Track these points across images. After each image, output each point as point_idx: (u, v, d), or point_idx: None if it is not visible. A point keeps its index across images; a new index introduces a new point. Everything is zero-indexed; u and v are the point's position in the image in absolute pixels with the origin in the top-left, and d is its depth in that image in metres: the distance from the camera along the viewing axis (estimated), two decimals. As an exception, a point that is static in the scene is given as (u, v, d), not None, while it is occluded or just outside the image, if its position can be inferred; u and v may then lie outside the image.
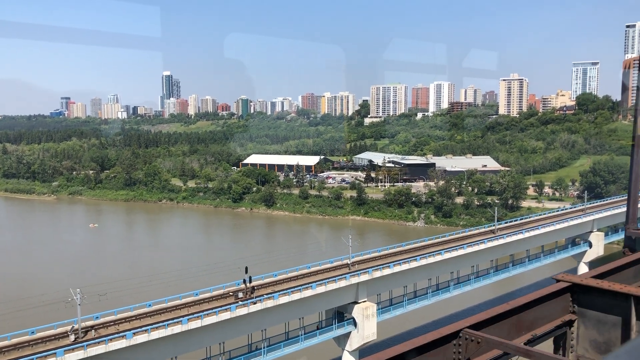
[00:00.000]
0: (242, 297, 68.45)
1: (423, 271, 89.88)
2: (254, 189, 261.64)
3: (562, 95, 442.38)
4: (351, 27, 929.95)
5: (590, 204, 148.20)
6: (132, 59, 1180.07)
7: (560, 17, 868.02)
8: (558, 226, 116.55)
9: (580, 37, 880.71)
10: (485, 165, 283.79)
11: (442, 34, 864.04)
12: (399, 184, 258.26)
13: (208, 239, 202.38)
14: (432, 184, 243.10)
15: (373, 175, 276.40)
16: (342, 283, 76.19)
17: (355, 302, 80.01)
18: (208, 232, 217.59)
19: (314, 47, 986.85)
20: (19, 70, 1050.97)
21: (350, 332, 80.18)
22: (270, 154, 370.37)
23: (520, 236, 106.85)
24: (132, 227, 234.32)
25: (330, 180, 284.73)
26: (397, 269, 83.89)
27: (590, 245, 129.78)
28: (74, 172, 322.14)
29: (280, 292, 70.10)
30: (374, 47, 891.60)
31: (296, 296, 70.62)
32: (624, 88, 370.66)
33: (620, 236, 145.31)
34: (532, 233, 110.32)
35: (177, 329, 59.67)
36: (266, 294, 69.74)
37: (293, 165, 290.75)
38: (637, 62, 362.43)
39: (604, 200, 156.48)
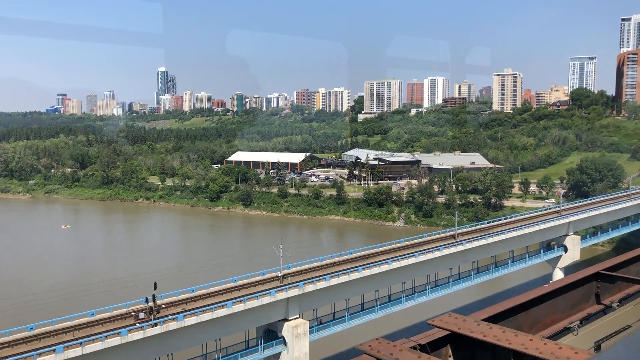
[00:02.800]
0: (143, 318, 60.39)
1: (368, 282, 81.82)
2: (232, 187, 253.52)
3: (556, 90, 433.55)
4: (347, 23, 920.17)
5: (569, 204, 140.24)
6: (129, 55, 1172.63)
7: (558, 11, 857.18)
8: (527, 230, 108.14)
9: (578, 31, 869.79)
10: (473, 163, 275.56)
11: (439, 30, 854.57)
12: (383, 182, 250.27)
13: (172, 241, 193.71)
14: (414, 182, 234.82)
15: (356, 172, 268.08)
16: (266, 299, 68.02)
17: (285, 320, 71.95)
18: (175, 234, 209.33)
19: (310, 43, 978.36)
20: (17, 67, 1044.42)
21: (280, 352, 72.16)
22: (256, 151, 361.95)
23: (482, 242, 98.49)
24: (103, 228, 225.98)
25: (313, 178, 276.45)
26: (335, 281, 75.74)
27: (566, 250, 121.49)
28: (52, 170, 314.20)
29: (188, 312, 61.94)
30: (370, 43, 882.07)
31: (206, 316, 62.47)
32: (618, 82, 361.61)
33: (600, 239, 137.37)
34: (497, 238, 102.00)
35: (49, 359, 51.61)
36: (172, 314, 61.60)
37: (277, 163, 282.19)
38: (632, 56, 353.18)
39: (583, 201, 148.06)
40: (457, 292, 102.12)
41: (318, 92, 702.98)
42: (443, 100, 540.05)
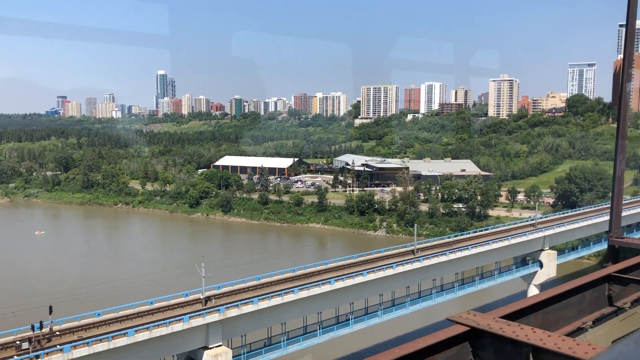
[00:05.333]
0: (26, 349, 53.09)
1: (308, 304, 74.35)
2: (213, 193, 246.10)
3: (553, 97, 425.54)
4: (346, 28, 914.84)
5: (548, 216, 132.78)
6: (130, 58, 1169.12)
7: (558, 18, 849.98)
8: (495, 245, 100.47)
9: (578, 37, 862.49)
10: (464, 170, 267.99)
11: (438, 36, 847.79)
12: (369, 189, 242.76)
13: (136, 252, 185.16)
14: (399, 189, 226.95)
15: (342, 179, 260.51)
16: (177, 326, 60.63)
17: (206, 348, 64.55)
18: (143, 243, 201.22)
19: (310, 48, 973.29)
20: (20, 68, 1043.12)
21: (201, 383, 64.74)
22: (246, 155, 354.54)
23: (443, 258, 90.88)
24: (76, 235, 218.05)
25: (299, 184, 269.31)
26: (265, 304, 68.27)
27: (541, 266, 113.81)
28: (34, 174, 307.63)
29: (79, 342, 54.60)
30: (369, 48, 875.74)
31: (101, 347, 55.09)
32: (615, 89, 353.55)
33: (580, 254, 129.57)
34: (461, 254, 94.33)
35: None
36: (61, 344, 54.21)
37: (265, 168, 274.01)
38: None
39: (563, 213, 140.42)
40: (424, 310, 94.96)
41: (315, 96, 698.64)
42: (439, 105, 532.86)
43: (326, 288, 74.55)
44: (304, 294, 72.18)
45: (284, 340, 73.02)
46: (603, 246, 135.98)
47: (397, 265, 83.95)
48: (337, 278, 76.52)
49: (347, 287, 77.28)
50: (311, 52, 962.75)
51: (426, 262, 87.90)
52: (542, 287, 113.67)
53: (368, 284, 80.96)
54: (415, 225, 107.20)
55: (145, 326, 58.79)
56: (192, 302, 67.48)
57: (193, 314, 62.40)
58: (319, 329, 76.87)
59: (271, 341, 73.95)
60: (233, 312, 65.28)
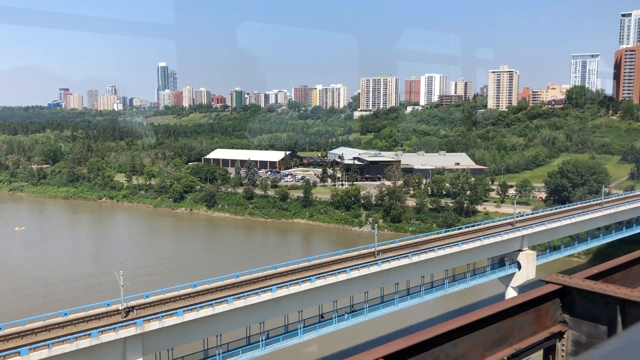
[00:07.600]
0: None
1: (248, 314, 68.07)
2: (198, 187, 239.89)
3: (553, 88, 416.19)
4: (349, 19, 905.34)
5: (527, 215, 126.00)
6: (132, 49, 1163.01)
7: (562, 8, 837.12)
8: (465, 246, 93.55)
9: (581, 28, 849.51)
10: (458, 163, 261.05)
11: (441, 27, 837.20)
12: (360, 183, 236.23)
13: (111, 248, 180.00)
14: (388, 183, 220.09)
15: (331, 172, 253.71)
16: (84, 342, 54.46)
17: (124, 364, 58.49)
18: (121, 239, 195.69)
19: (313, 39, 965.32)
20: (23, 61, 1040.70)
21: (120, 402, 58.67)
22: (238, 148, 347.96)
23: (405, 261, 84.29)
24: (56, 231, 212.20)
25: (288, 178, 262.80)
26: (192, 316, 61.96)
27: (519, 267, 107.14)
28: (20, 167, 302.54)
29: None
30: (372, 39, 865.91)
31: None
32: (616, 80, 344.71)
33: (562, 254, 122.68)
34: (426, 256, 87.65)
35: None
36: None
37: (252, 161, 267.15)
38: (629, 53, 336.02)
39: (544, 211, 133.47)
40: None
41: (315, 88, 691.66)
42: (439, 97, 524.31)
43: (267, 296, 68.21)
44: (240, 303, 65.90)
45: (219, 354, 66.83)
46: (589, 245, 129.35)
47: (351, 269, 77.49)
48: (279, 285, 70.19)
49: (292, 294, 70.92)
50: (313, 44, 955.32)
51: (386, 266, 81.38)
52: (520, 289, 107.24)
53: (319, 290, 74.64)
54: (377, 225, 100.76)
55: (44, 343, 52.69)
56: (113, 313, 61.30)
57: (104, 328, 56.29)
58: (262, 340, 70.61)
59: (207, 354, 67.90)
60: (153, 325, 59.10)
